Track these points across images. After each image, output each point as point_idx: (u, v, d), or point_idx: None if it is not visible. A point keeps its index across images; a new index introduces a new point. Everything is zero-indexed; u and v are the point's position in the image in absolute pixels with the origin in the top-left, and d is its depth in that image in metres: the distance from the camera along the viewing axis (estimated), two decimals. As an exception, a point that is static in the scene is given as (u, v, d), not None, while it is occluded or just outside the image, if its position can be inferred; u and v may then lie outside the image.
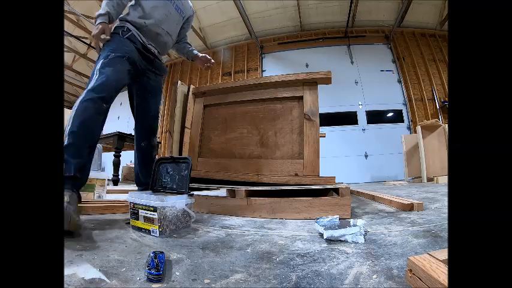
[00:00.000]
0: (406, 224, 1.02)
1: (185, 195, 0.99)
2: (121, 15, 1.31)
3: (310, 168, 1.41)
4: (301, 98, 1.52)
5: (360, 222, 0.87)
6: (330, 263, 0.62)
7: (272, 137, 1.56)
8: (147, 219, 0.90)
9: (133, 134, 1.56)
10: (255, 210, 1.29)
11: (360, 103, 5.37)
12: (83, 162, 0.99)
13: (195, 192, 1.22)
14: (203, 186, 1.51)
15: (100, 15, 1.19)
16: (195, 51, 1.69)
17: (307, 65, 5.78)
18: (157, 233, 0.87)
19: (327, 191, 1.34)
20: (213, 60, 1.69)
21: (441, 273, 0.42)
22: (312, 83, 1.51)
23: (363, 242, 0.78)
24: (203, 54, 1.68)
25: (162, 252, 0.61)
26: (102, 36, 1.20)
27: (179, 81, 1.82)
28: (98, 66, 1.14)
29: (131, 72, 1.26)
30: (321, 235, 0.85)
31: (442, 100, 4.94)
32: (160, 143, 5.57)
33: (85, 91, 1.07)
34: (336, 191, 1.26)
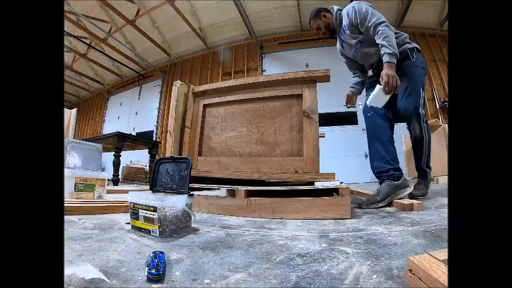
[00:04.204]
0: (406, 224, 1.02)
1: (185, 195, 0.99)
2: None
3: (310, 165, 1.41)
4: (300, 96, 1.52)
5: None
6: (330, 263, 0.62)
7: (272, 135, 1.56)
8: (147, 219, 0.90)
9: (133, 134, 1.55)
10: (255, 210, 1.28)
11: (359, 103, 5.36)
12: None
13: (195, 192, 1.22)
14: (203, 186, 1.51)
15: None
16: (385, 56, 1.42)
17: (307, 65, 5.78)
18: (157, 233, 0.87)
19: (327, 191, 1.34)
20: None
21: (441, 273, 0.42)
22: (310, 81, 1.51)
23: None
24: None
25: (162, 252, 0.61)
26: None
27: (179, 81, 1.82)
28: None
29: None
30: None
31: (442, 100, 4.92)
32: (160, 143, 5.58)
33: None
34: (336, 191, 1.26)
